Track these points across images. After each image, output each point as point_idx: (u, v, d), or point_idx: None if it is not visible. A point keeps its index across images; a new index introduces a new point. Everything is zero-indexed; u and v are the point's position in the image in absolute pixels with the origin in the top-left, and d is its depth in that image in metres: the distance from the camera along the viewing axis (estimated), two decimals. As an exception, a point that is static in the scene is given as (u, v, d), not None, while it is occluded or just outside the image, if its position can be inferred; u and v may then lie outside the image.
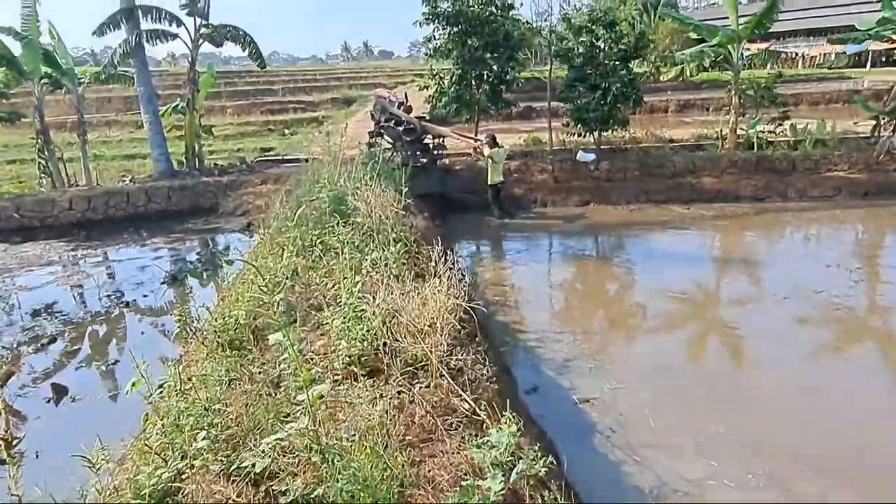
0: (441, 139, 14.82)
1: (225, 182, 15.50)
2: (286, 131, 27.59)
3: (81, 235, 13.19)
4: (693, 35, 20.25)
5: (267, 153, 21.83)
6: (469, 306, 5.39)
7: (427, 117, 16.02)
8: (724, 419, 5.69)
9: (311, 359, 4.62)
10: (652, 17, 33.52)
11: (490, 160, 13.60)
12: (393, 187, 9.73)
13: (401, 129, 13.94)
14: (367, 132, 15.34)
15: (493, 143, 13.87)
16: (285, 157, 19.32)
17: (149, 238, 12.99)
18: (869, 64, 40.88)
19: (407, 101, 15.24)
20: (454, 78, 15.14)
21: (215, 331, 5.09)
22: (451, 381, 4.37)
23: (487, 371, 4.89)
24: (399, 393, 4.22)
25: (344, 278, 5.78)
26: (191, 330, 5.30)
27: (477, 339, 5.51)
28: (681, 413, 5.84)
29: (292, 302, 5.64)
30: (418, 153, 13.77)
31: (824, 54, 40.36)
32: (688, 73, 16.09)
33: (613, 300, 9.57)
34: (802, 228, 12.88)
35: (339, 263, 6.62)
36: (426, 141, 14.66)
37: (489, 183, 13.72)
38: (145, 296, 9.29)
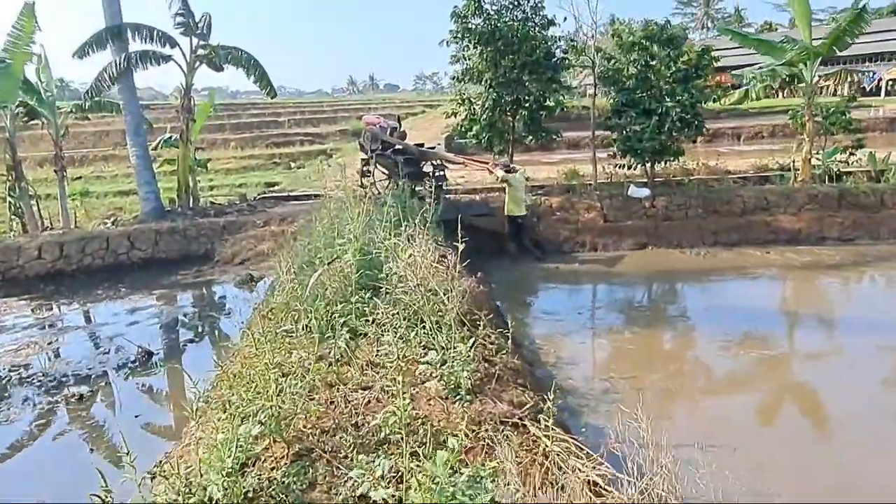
0: (442, 167, 13.01)
1: (222, 224, 13.39)
2: (292, 165, 25.75)
3: (47, 291, 11.05)
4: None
5: (272, 188, 19.88)
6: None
7: (426, 144, 14.18)
8: None
9: None
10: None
11: (507, 185, 11.70)
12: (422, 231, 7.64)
13: (398, 157, 12.12)
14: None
15: (508, 170, 11.92)
16: (291, 194, 17.29)
17: (128, 294, 10.81)
18: (883, 92, 39.83)
19: (400, 126, 13.31)
20: (488, 103, 13.07)
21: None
22: None
23: None
24: None
25: (390, 396, 3.61)
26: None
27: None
28: None
29: (307, 449, 3.42)
30: (418, 182, 11.85)
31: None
32: (753, 96, 14.01)
33: (718, 394, 7.30)
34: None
35: (377, 360, 4.45)
36: (426, 169, 12.93)
37: (507, 214, 11.79)
38: (102, 383, 7.06)
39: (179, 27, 13.67)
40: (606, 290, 10.58)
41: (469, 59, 13.52)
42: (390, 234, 6.27)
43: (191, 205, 14.73)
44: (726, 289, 10.29)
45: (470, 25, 12.90)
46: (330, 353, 4.56)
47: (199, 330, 8.98)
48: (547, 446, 3.38)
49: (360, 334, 4.90)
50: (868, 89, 39.37)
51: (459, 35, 13.12)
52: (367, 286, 5.43)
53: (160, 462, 4.50)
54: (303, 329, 4.85)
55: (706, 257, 11.76)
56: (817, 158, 13.98)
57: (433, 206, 8.50)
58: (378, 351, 4.61)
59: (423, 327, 4.80)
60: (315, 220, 8.18)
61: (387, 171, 12.84)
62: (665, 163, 13.87)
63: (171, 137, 15.19)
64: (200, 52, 14.09)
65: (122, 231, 12.81)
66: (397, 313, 4.78)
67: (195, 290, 11.11)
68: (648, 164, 13.74)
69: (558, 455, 3.12)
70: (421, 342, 4.65)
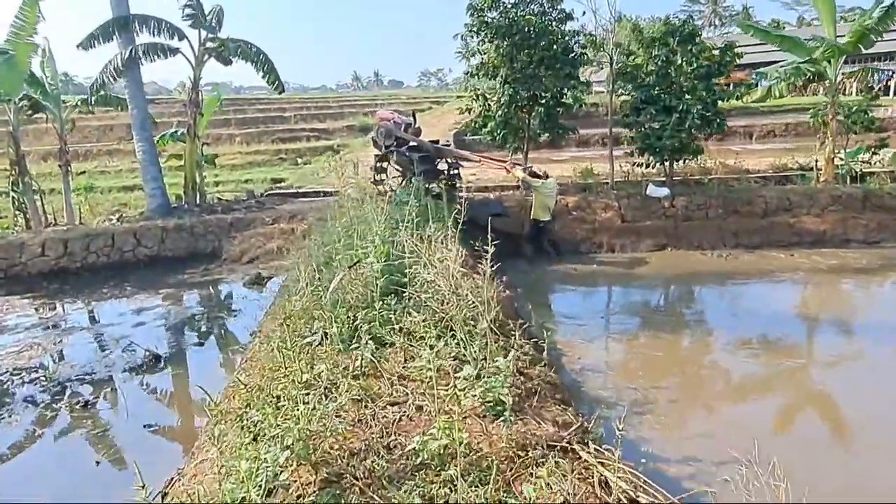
0: (456, 165, 12.62)
1: (229, 220, 13.08)
2: (299, 160, 25.40)
3: (51, 290, 10.77)
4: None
5: (278, 184, 19.56)
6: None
7: (441, 141, 13.85)
8: None
9: None
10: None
11: (535, 191, 11.34)
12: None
13: (414, 154, 11.75)
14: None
15: (535, 175, 11.58)
16: (299, 190, 16.97)
17: (134, 293, 10.51)
18: (892, 91, 39.17)
19: (415, 122, 12.95)
20: (503, 99, 12.71)
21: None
22: None
23: None
24: None
25: (424, 414, 3.29)
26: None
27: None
28: None
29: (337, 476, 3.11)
30: (433, 180, 11.50)
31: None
32: (776, 94, 13.64)
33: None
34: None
35: (407, 372, 4.14)
36: (440, 167, 12.58)
37: (532, 217, 11.43)
38: (108, 388, 6.74)
39: (188, 19, 13.33)
40: (627, 294, 10.26)
41: (484, 54, 13.18)
42: (412, 235, 5.94)
43: (198, 201, 14.43)
44: (752, 293, 9.92)
45: (486, 19, 12.54)
46: (356, 363, 4.24)
47: (208, 332, 8.65)
48: (602, 475, 3.05)
49: (387, 344, 4.58)
50: (877, 89, 38.71)
51: (475, 29, 12.77)
52: (390, 291, 5.10)
53: (171, 480, 4.20)
54: (324, 337, 4.52)
55: (728, 259, 11.42)
56: (840, 158, 13.60)
57: (452, 205, 8.23)
58: (407, 363, 4.29)
59: (454, 337, 4.48)
60: (329, 219, 7.88)
61: (400, 169, 12.51)
62: (683, 161, 13.52)
63: (177, 132, 14.86)
64: (209, 44, 13.76)
65: (128, 228, 12.50)
66: (426, 321, 4.44)
67: (203, 290, 10.80)
68: (667, 163, 13.39)
69: (623, 492, 2.79)
70: (452, 353, 4.32)
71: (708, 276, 10.72)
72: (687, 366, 7.25)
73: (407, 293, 5.14)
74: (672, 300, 9.96)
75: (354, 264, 5.12)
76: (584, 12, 13.52)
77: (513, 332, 4.62)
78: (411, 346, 4.38)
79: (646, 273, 10.91)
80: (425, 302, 4.72)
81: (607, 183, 14.22)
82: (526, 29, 12.47)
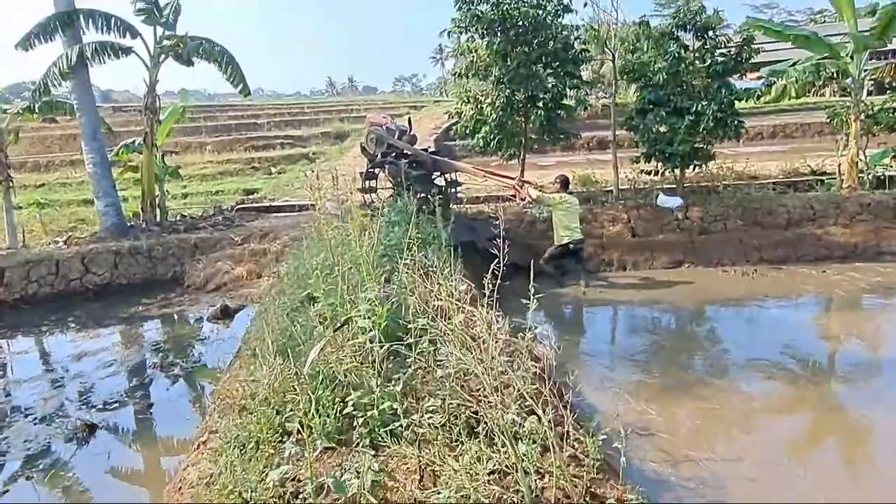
0: (456, 180, 11.24)
1: (193, 241, 11.56)
2: (273, 170, 23.93)
3: (-23, 329, 9.21)
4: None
5: (251, 195, 18.10)
6: None
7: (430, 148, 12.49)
8: None
9: None
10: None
11: (554, 210, 9.91)
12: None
13: (406, 164, 10.31)
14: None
15: (565, 185, 10.18)
16: (273, 204, 15.52)
17: (78, 328, 9.00)
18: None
19: (411, 129, 11.55)
20: (499, 101, 11.38)
21: None
22: None
23: None
24: None
25: None
26: None
27: None
28: None
29: None
30: (429, 195, 9.96)
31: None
32: (792, 94, 12.52)
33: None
34: None
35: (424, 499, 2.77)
36: (437, 180, 11.17)
37: (558, 244, 9.93)
38: (27, 476, 5.22)
39: (141, 14, 11.83)
40: (652, 323, 8.87)
41: (474, 52, 11.88)
42: (414, 274, 4.59)
43: (157, 219, 12.87)
44: (800, 321, 8.66)
45: (477, 12, 11.23)
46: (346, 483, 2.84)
47: (158, 388, 7.08)
48: None
49: (390, 449, 3.20)
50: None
51: (465, 23, 11.46)
52: (392, 339, 3.72)
53: None
54: (302, 428, 3.11)
55: (755, 278, 10.20)
56: (863, 162, 12.51)
57: (446, 224, 6.95)
58: (425, 481, 2.92)
59: (487, 435, 3.12)
60: (305, 245, 6.51)
61: (392, 180, 11.06)
62: (694, 168, 12.35)
63: (133, 142, 13.27)
64: (166, 42, 12.24)
65: (76, 252, 10.92)
66: (449, 414, 3.08)
67: (159, 326, 9.29)
68: (677, 170, 12.20)
69: None
70: (489, 466, 2.95)
71: (738, 298, 9.45)
72: (754, 426, 5.90)
73: (412, 359, 3.78)
74: (709, 331, 8.62)
75: (341, 326, 3.75)
76: (586, 4, 12.00)
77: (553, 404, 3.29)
78: (429, 448, 3.01)
79: (667, 296, 9.61)
80: (443, 381, 3.34)
81: (611, 191, 12.99)
82: (521, 23, 11.21)
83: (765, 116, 28.53)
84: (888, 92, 15.50)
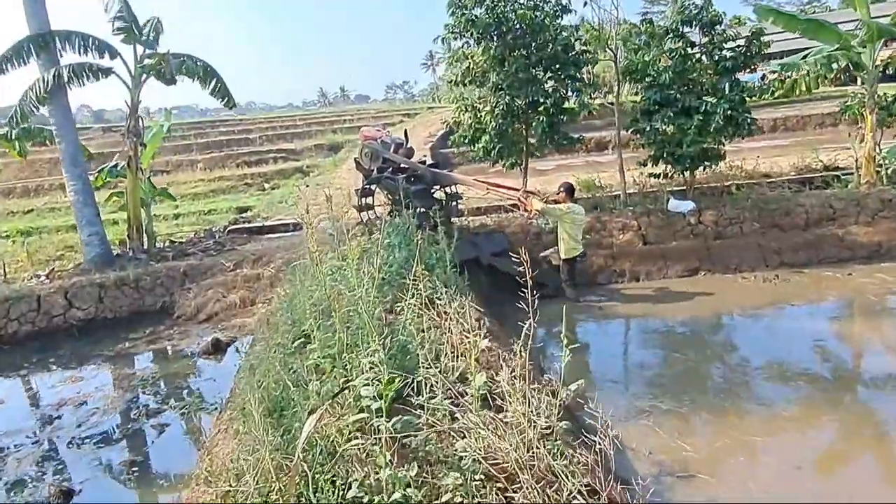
0: (457, 194, 10.74)
1: (182, 269, 10.98)
2: (266, 185, 23.42)
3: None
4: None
5: (243, 214, 17.54)
6: None
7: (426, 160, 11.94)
8: None
9: None
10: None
11: (561, 222, 9.32)
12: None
13: (404, 179, 9.78)
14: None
15: (571, 193, 9.59)
16: (266, 224, 14.94)
17: (60, 368, 8.42)
18: None
19: (407, 141, 11.01)
20: (499, 108, 10.82)
21: None
22: None
23: None
24: None
25: None
26: None
27: None
28: None
29: None
30: (429, 210, 9.35)
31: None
32: (804, 88, 11.99)
33: None
34: None
35: None
36: (436, 194, 10.67)
37: (564, 257, 9.36)
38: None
39: (120, 33, 11.28)
40: (675, 341, 8.18)
41: (470, 58, 11.34)
42: (423, 322, 4.01)
43: (145, 246, 12.28)
44: (831, 330, 8.07)
45: (471, 17, 10.69)
46: None
47: (143, 440, 6.47)
48: None
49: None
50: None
51: (459, 29, 10.92)
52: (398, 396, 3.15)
53: None
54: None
55: (777, 284, 9.62)
56: (881, 156, 11.96)
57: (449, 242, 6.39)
58: None
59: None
60: (298, 281, 5.95)
61: (390, 196, 10.50)
62: (704, 169, 11.81)
63: (116, 165, 12.69)
64: (147, 61, 11.69)
65: (58, 287, 10.33)
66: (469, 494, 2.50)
67: (148, 364, 8.69)
68: (687, 172, 11.66)
69: None
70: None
71: (763, 308, 8.90)
72: (805, 459, 5.30)
73: (424, 419, 3.21)
74: (738, 347, 7.98)
75: (338, 393, 3.17)
76: (585, 3, 11.47)
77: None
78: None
79: (687, 309, 9.00)
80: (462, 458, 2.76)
81: (618, 196, 12.43)
82: (518, 26, 10.68)
83: (762, 109, 27.99)
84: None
